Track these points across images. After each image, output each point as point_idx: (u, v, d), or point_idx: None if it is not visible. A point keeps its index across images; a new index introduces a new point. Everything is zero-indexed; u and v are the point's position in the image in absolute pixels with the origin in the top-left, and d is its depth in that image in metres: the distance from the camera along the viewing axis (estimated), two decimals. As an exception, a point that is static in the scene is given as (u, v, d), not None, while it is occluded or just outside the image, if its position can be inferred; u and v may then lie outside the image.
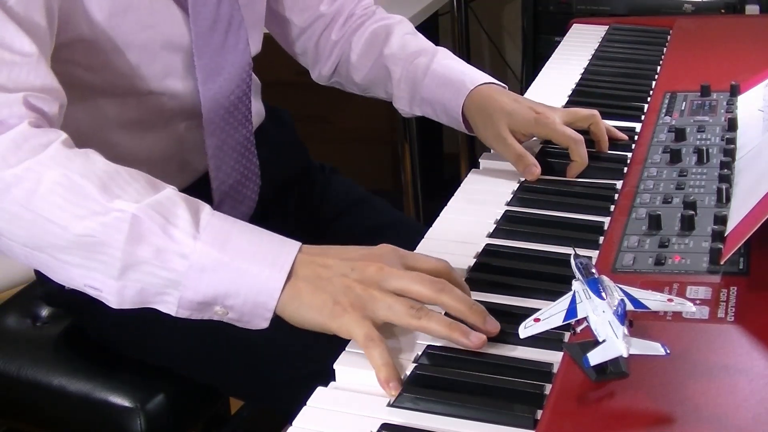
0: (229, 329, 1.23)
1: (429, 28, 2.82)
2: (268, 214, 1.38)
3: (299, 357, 1.21)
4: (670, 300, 0.87)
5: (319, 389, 0.89)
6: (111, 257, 0.94)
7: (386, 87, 1.45)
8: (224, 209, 1.27)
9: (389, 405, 0.86)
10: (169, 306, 0.97)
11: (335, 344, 0.95)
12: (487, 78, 1.37)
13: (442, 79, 1.36)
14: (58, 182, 0.94)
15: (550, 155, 1.31)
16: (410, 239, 1.15)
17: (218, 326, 1.24)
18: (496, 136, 1.29)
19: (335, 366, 0.92)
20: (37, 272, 1.37)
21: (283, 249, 0.96)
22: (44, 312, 1.51)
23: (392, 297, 0.93)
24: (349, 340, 0.95)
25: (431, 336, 0.93)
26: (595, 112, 1.32)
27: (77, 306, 1.34)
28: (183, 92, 1.23)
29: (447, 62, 1.39)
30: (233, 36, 1.23)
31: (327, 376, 0.91)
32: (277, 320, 1.22)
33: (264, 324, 0.97)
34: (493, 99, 1.32)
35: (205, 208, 0.97)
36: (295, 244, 0.97)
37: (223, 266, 0.94)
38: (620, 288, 0.85)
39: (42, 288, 1.40)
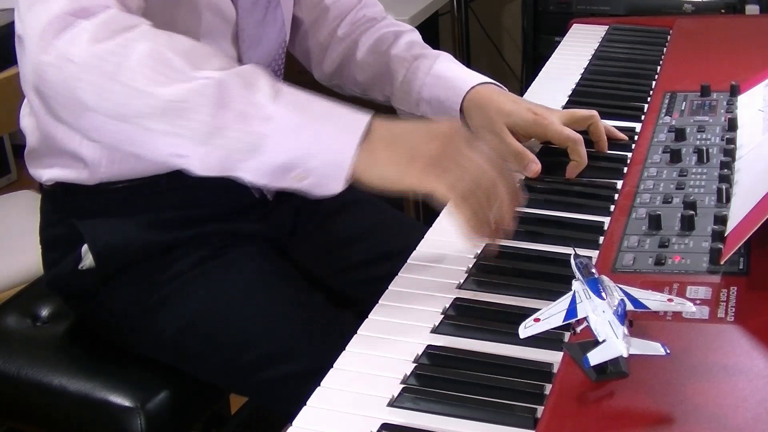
0: (231, 323, 1.24)
1: (429, 28, 2.82)
2: (273, 209, 1.39)
3: (299, 353, 1.22)
4: (670, 300, 0.87)
5: (319, 389, 0.89)
6: (198, 122, 0.98)
7: (386, 88, 1.46)
8: None
9: (389, 405, 0.86)
10: (249, 171, 1.01)
11: (335, 342, 0.95)
12: (486, 79, 1.37)
13: (442, 79, 1.38)
14: (147, 54, 0.98)
15: (550, 155, 1.31)
16: (410, 239, 1.16)
17: (219, 321, 1.26)
18: (495, 135, 1.30)
19: (335, 366, 0.92)
20: (43, 259, 1.39)
21: (357, 114, 1.01)
22: (44, 312, 1.51)
23: (466, 164, 0.99)
24: (348, 340, 0.95)
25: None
26: (594, 112, 1.33)
27: (80, 294, 1.35)
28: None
29: (449, 65, 1.40)
30: (271, 13, 1.29)
31: (325, 373, 0.92)
32: (277, 317, 1.23)
33: (339, 187, 1.00)
34: (491, 99, 1.33)
35: (280, 82, 1.02)
36: (368, 112, 1.01)
37: (302, 128, 0.99)
38: (620, 288, 0.85)
39: (48, 273, 1.40)
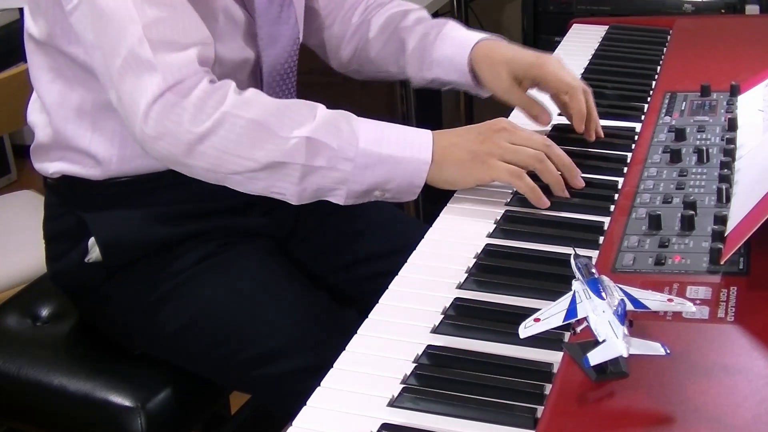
0: (233, 319, 1.26)
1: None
2: (276, 205, 1.39)
3: (301, 350, 1.22)
4: (670, 300, 0.87)
5: (319, 389, 0.89)
6: (293, 171, 1.17)
7: (399, 59, 1.50)
8: None
9: (389, 405, 0.86)
10: (338, 197, 1.20)
11: (337, 339, 0.96)
12: (491, 36, 1.44)
13: (451, 40, 1.45)
14: (243, 125, 1.15)
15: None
16: (411, 236, 1.16)
17: (221, 317, 1.26)
18: (504, 86, 1.38)
19: (335, 366, 0.92)
20: (47, 252, 1.41)
21: (422, 137, 1.20)
22: (44, 312, 1.51)
23: (517, 147, 1.18)
24: (349, 339, 0.95)
25: (544, 180, 1.19)
26: (588, 90, 1.36)
27: (84, 288, 1.36)
28: (236, 58, 1.29)
29: (455, 28, 1.47)
30: (286, 10, 1.35)
31: (326, 370, 0.92)
32: (279, 314, 1.24)
33: (413, 197, 1.21)
34: (496, 50, 1.41)
35: (352, 117, 1.20)
36: (427, 132, 1.20)
37: (381, 162, 1.17)
38: (620, 288, 0.85)
39: (52, 268, 1.40)
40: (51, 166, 1.34)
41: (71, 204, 1.34)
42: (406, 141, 1.19)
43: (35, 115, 1.36)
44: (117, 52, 1.15)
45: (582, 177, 1.25)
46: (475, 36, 1.43)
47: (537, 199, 1.18)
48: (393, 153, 1.18)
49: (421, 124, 1.56)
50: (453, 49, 1.43)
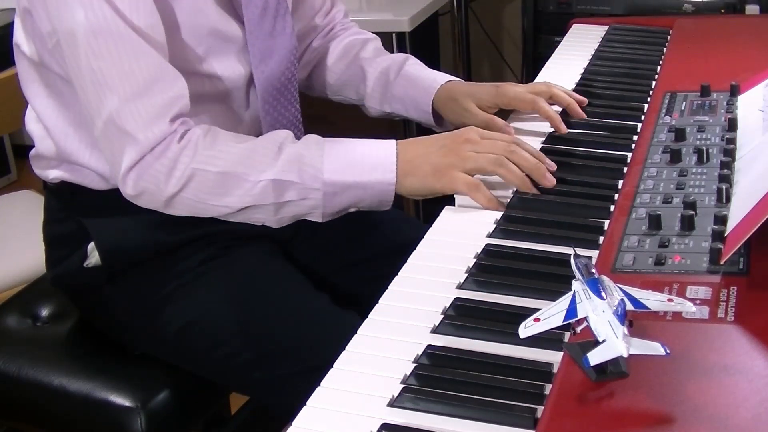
0: (233, 320, 1.26)
1: (429, 28, 2.83)
2: None
3: (302, 352, 1.23)
4: (670, 300, 0.87)
5: (319, 389, 0.89)
6: (266, 210, 1.24)
7: (359, 88, 1.54)
8: None
9: (389, 405, 0.86)
10: (316, 218, 1.26)
11: (338, 341, 0.96)
12: (452, 77, 1.50)
13: (413, 80, 1.50)
14: (212, 180, 1.21)
15: (549, 154, 1.31)
16: (411, 236, 1.16)
17: (222, 319, 1.27)
18: (463, 112, 1.44)
19: (335, 366, 0.92)
20: (47, 255, 1.41)
21: (386, 153, 1.24)
22: (44, 312, 1.51)
23: (477, 154, 1.21)
24: (349, 338, 0.95)
25: (507, 182, 1.21)
26: (549, 85, 1.44)
27: (85, 290, 1.36)
28: (231, 75, 1.31)
29: (417, 67, 1.53)
30: (281, 22, 1.35)
31: (326, 371, 0.92)
32: (279, 316, 1.27)
33: (388, 207, 1.27)
34: (457, 88, 1.47)
35: (317, 143, 1.24)
36: (390, 144, 1.25)
37: (347, 188, 1.23)
38: (620, 288, 0.85)
39: (52, 272, 1.40)
40: (51, 173, 1.34)
41: (71, 209, 1.34)
42: (370, 165, 1.23)
43: (33, 125, 1.36)
44: (97, 114, 1.20)
45: (581, 177, 1.25)
46: (437, 78, 1.49)
47: (495, 207, 1.20)
48: (358, 179, 1.23)
49: (421, 125, 1.56)
50: (416, 90, 1.49)
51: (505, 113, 1.46)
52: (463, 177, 1.21)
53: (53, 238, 1.39)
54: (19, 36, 1.29)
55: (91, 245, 1.32)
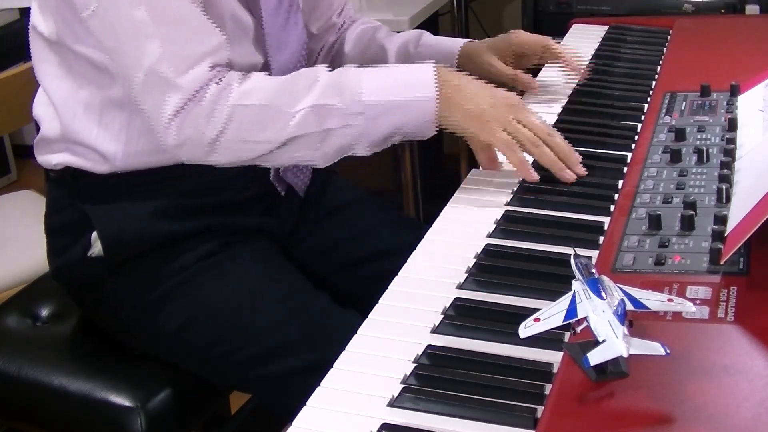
0: (233, 317, 1.26)
1: (429, 28, 2.81)
2: (278, 203, 1.42)
3: (301, 349, 1.23)
4: (670, 300, 0.87)
5: (319, 389, 0.89)
6: (310, 139, 1.22)
7: (379, 64, 1.54)
8: (288, 176, 1.41)
9: (389, 405, 0.86)
10: (361, 150, 1.25)
11: (338, 338, 0.96)
12: (466, 40, 1.59)
13: (434, 47, 1.57)
14: (251, 114, 1.21)
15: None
16: (410, 236, 1.16)
17: (222, 315, 1.27)
18: (487, 67, 1.52)
19: (335, 366, 0.92)
20: (49, 246, 1.42)
21: (425, 73, 1.25)
22: (44, 312, 1.51)
23: (519, 126, 1.23)
24: (349, 339, 0.95)
25: (541, 162, 1.23)
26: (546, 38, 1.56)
27: (86, 283, 1.36)
28: (248, 63, 1.32)
29: (434, 37, 1.60)
30: (293, 17, 1.38)
31: (325, 369, 0.92)
32: (279, 312, 1.27)
33: (433, 132, 1.26)
34: (477, 45, 1.56)
35: (352, 71, 1.25)
36: (428, 65, 1.25)
37: (389, 109, 1.23)
38: (620, 288, 0.85)
39: (54, 263, 1.41)
40: (54, 158, 1.34)
41: (74, 195, 1.34)
42: (409, 83, 1.24)
43: (41, 108, 1.36)
44: (137, 66, 1.20)
45: (581, 177, 1.25)
46: (455, 43, 1.57)
47: (526, 172, 1.23)
48: (399, 98, 1.23)
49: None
50: (439, 55, 1.54)
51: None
52: (504, 134, 1.23)
53: (55, 227, 1.40)
54: (36, 17, 1.31)
55: (95, 234, 1.32)
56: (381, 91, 1.23)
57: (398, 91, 1.23)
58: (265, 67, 1.34)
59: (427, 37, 1.58)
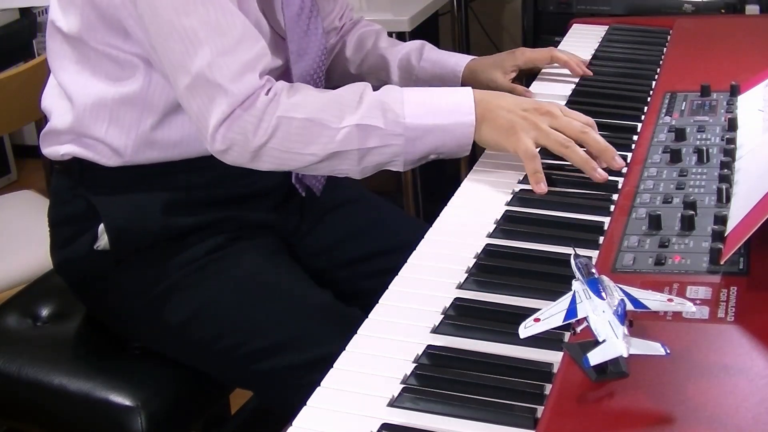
0: (237, 312, 1.27)
1: (429, 28, 2.82)
2: (282, 200, 1.43)
3: (304, 344, 1.24)
4: (670, 300, 0.87)
5: (319, 389, 0.89)
6: (351, 156, 1.26)
7: (380, 75, 1.59)
8: (307, 179, 1.44)
9: (389, 405, 0.86)
10: (397, 167, 1.29)
11: (340, 335, 0.96)
12: (470, 57, 1.63)
13: (437, 62, 1.60)
14: (297, 126, 1.24)
15: (550, 155, 1.31)
16: (411, 234, 1.17)
17: (225, 310, 1.27)
18: (489, 83, 1.56)
19: (336, 365, 0.92)
20: (52, 238, 1.42)
21: (463, 97, 1.29)
22: (45, 312, 1.51)
23: (550, 131, 1.25)
24: (349, 337, 0.95)
25: (572, 162, 1.23)
26: (551, 48, 1.63)
27: (90, 277, 1.36)
28: (270, 67, 1.32)
29: (436, 50, 1.62)
30: (314, 22, 1.41)
31: (327, 366, 0.92)
32: (282, 308, 1.29)
33: (466, 153, 1.30)
34: (480, 62, 1.61)
35: (396, 91, 1.28)
36: (467, 90, 1.30)
37: (428, 132, 1.26)
38: (620, 288, 0.85)
39: (57, 256, 1.41)
40: (62, 148, 1.35)
41: (81, 186, 1.35)
42: (449, 108, 1.28)
43: (52, 100, 1.37)
44: (184, 69, 1.21)
45: (581, 177, 1.25)
46: (458, 61, 1.60)
47: (534, 183, 1.23)
48: (439, 122, 1.26)
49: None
50: (443, 71, 1.59)
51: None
52: (528, 144, 1.24)
53: (60, 219, 1.40)
54: (55, 13, 1.32)
55: (102, 227, 1.32)
56: (422, 115, 1.26)
57: (439, 116, 1.26)
58: (286, 73, 1.36)
59: (429, 50, 1.60)
